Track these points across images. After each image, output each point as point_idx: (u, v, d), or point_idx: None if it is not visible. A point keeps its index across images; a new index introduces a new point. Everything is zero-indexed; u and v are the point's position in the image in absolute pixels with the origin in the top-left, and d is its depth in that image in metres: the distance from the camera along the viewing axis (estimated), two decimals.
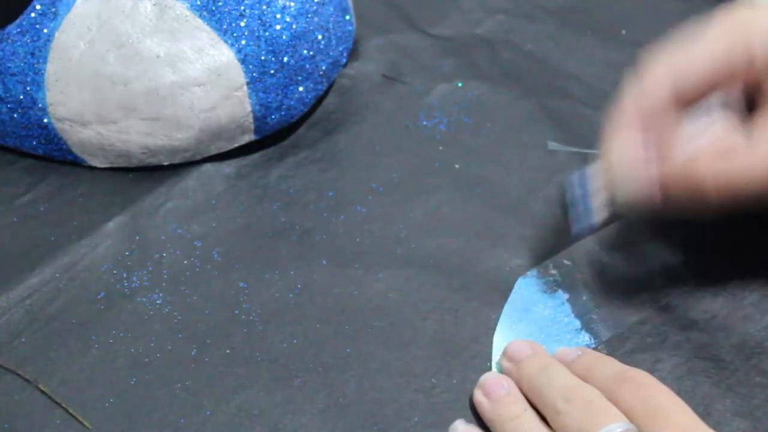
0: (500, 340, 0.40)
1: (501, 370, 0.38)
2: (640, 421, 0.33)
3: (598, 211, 0.39)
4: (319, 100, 0.52)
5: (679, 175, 0.37)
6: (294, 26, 0.47)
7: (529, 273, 0.42)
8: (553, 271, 0.42)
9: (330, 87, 0.53)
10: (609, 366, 0.37)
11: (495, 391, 0.37)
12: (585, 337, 0.40)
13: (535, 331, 0.40)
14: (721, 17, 0.38)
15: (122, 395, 0.38)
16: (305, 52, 0.48)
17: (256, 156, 0.49)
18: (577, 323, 0.40)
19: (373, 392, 0.39)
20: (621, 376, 0.35)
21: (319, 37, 0.48)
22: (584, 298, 0.41)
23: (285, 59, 0.47)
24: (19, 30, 0.46)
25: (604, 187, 0.38)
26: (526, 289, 0.42)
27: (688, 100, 0.38)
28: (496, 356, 0.39)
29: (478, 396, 0.37)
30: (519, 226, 0.45)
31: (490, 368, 0.39)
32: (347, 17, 0.52)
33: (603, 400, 0.34)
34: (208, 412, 0.38)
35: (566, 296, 0.41)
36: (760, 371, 0.39)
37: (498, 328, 0.40)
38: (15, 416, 0.38)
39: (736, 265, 0.42)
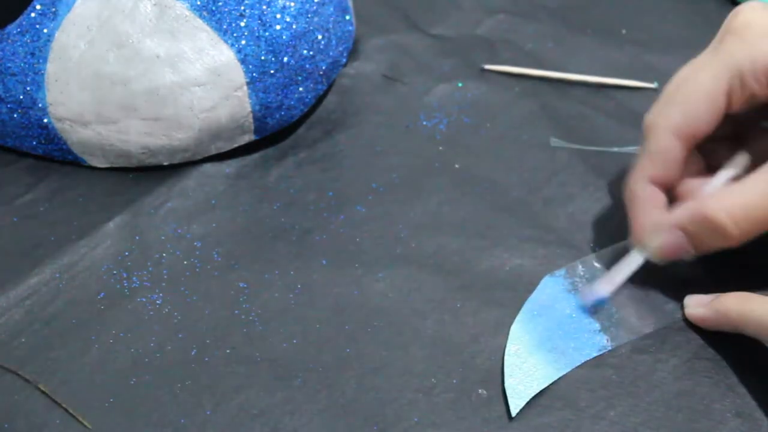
0: (517, 331, 0.40)
1: (510, 364, 0.39)
2: None
3: (606, 288, 0.41)
4: (319, 100, 0.52)
5: (695, 220, 0.38)
6: (294, 26, 0.47)
7: (556, 272, 0.42)
8: (581, 272, 0.42)
9: (330, 87, 0.53)
10: None
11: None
12: (603, 339, 0.40)
13: (553, 326, 0.40)
14: (711, 52, 0.39)
15: (122, 395, 0.38)
16: (305, 52, 0.48)
17: (256, 156, 0.49)
18: (597, 325, 0.40)
19: (373, 392, 0.39)
20: None
21: (319, 37, 0.48)
22: (606, 301, 0.41)
23: (285, 59, 0.47)
24: (19, 30, 0.46)
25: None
26: (552, 286, 0.42)
27: (699, 142, 0.40)
28: (511, 345, 0.39)
29: (699, 311, 0.40)
30: (519, 226, 0.45)
31: (491, 366, 0.39)
32: (347, 17, 0.52)
33: None
34: (208, 412, 0.38)
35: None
36: (760, 371, 0.39)
37: (517, 318, 0.41)
38: (15, 416, 0.38)
39: (737, 266, 0.42)
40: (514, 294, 0.42)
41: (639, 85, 0.53)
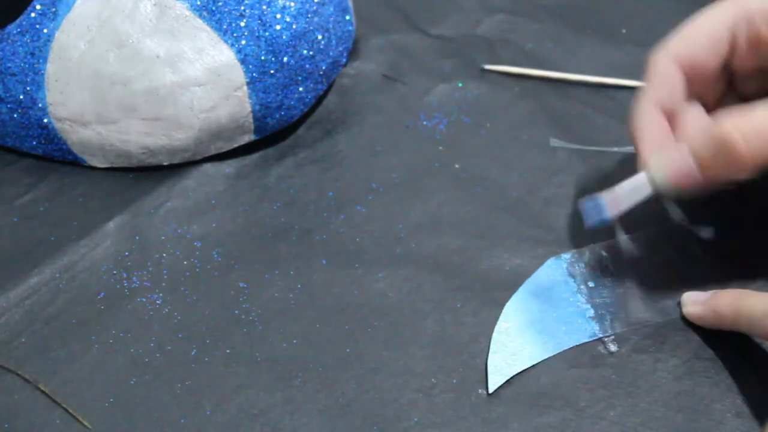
0: (511, 309, 0.40)
1: (496, 341, 0.39)
2: None
3: (610, 206, 0.39)
4: (319, 100, 0.52)
5: (708, 142, 0.36)
6: (294, 26, 0.47)
7: (563, 255, 0.43)
8: (588, 258, 0.42)
9: (330, 87, 0.53)
10: None
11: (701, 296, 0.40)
12: (595, 327, 0.40)
13: (548, 307, 0.40)
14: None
15: (122, 395, 0.38)
16: (305, 52, 0.48)
17: (256, 156, 0.49)
18: (591, 312, 0.41)
19: (373, 392, 0.39)
20: None
21: (319, 37, 0.48)
22: (606, 290, 0.41)
23: (285, 59, 0.47)
24: (19, 30, 0.46)
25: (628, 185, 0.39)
26: (555, 268, 0.42)
27: (703, 79, 0.39)
28: (502, 323, 0.40)
29: (696, 309, 0.40)
30: (519, 226, 0.45)
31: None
32: (347, 17, 0.52)
33: None
34: (208, 412, 0.38)
35: (591, 284, 0.41)
36: (760, 371, 0.39)
37: (513, 298, 0.41)
38: (15, 416, 0.38)
39: (737, 266, 0.42)
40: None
41: (639, 85, 0.53)
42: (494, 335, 0.39)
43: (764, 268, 0.42)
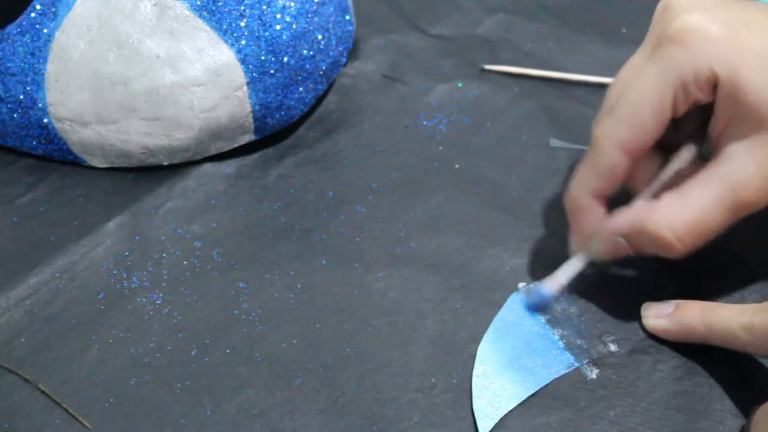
0: (485, 351, 0.40)
1: (477, 385, 0.38)
2: None
3: (552, 284, 0.41)
4: (319, 100, 0.52)
5: (636, 231, 0.38)
6: (294, 26, 0.47)
7: (522, 289, 0.42)
8: None
9: (330, 87, 0.53)
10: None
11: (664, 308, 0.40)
12: (570, 357, 0.39)
13: (521, 344, 0.40)
14: (650, 57, 0.38)
15: (122, 395, 0.38)
16: (305, 52, 0.48)
17: (256, 156, 0.49)
18: (562, 342, 0.40)
19: (373, 392, 0.39)
20: None
21: (319, 37, 0.48)
22: (574, 317, 0.41)
23: (285, 59, 0.47)
24: (19, 30, 0.46)
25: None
26: (519, 303, 0.41)
27: (647, 150, 0.39)
28: (479, 365, 0.39)
29: (660, 323, 0.40)
30: (519, 226, 0.45)
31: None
32: (347, 17, 0.52)
33: None
34: (208, 412, 0.38)
35: (557, 314, 0.41)
36: (759, 371, 0.39)
37: (484, 338, 0.40)
38: (15, 416, 0.38)
39: (735, 267, 0.42)
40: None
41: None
42: (474, 379, 0.38)
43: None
